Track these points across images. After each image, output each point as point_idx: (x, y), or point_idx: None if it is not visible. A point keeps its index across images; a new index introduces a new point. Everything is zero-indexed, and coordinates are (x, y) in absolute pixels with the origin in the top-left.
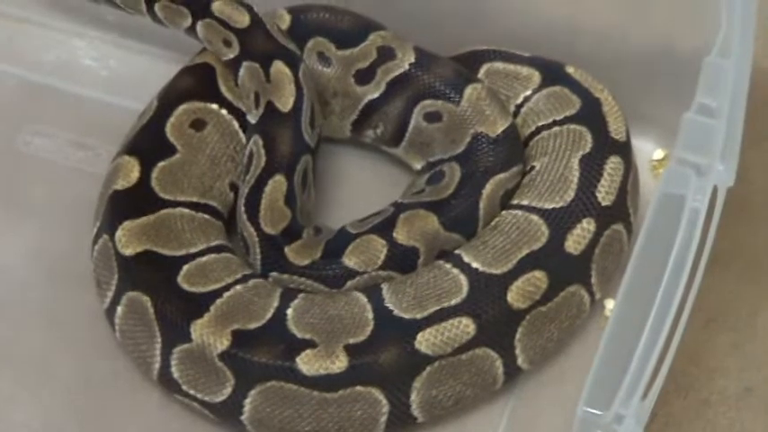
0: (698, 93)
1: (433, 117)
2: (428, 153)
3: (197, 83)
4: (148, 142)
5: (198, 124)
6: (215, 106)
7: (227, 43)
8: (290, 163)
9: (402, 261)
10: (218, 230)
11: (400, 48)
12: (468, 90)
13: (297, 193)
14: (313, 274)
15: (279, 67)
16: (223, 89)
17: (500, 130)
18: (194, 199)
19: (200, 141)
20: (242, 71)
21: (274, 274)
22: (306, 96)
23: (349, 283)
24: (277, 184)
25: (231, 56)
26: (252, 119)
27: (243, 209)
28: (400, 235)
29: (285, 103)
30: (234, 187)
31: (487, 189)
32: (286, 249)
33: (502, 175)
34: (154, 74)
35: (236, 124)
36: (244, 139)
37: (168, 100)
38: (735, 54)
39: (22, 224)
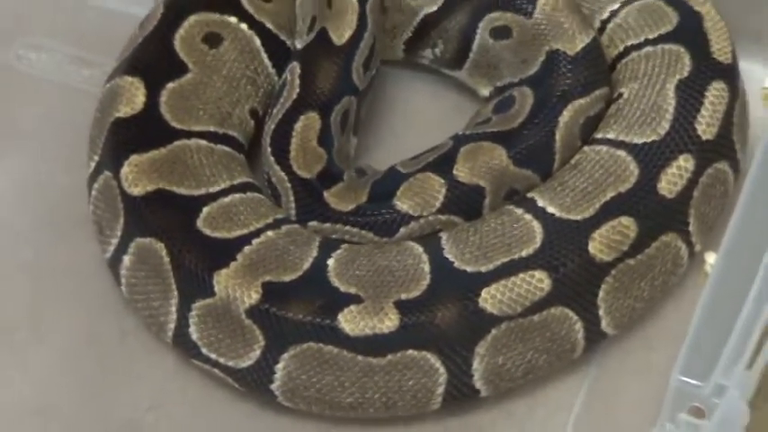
0: None
1: (501, 33)
2: (495, 76)
3: None
4: (154, 58)
5: (212, 39)
6: (233, 19)
7: None
8: (328, 101)
9: (464, 203)
10: (241, 165)
11: None
12: None
13: (333, 134)
14: (359, 221)
15: None
16: (244, 0)
17: (580, 46)
18: (211, 128)
19: (215, 60)
20: None
21: (313, 223)
22: (368, 33)
23: (402, 231)
24: (309, 121)
25: None
26: (300, 44)
27: (269, 148)
28: (461, 172)
29: (341, 35)
30: (255, 114)
31: (565, 117)
32: (326, 194)
33: (582, 101)
34: None
35: (257, 41)
36: (266, 60)
37: (177, 7)
38: None
39: (10, 156)
